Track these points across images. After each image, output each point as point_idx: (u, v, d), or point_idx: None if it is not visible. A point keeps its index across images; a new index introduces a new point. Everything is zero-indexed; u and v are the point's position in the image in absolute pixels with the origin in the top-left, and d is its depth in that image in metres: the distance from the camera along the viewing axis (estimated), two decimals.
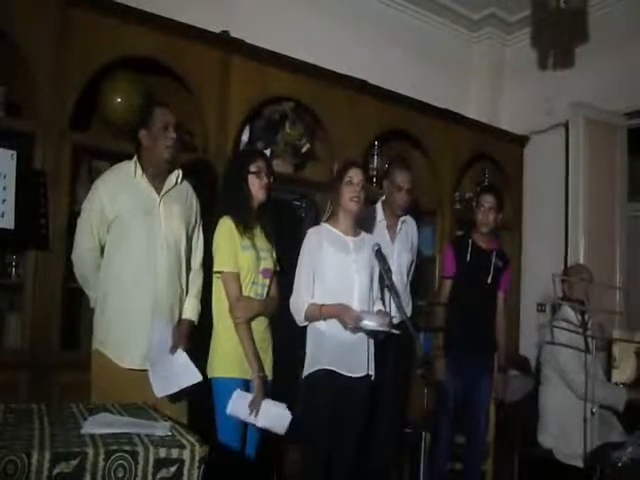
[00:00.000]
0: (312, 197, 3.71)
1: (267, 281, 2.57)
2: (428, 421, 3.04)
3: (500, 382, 3.46)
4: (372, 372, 2.60)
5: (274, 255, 2.63)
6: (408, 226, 3.34)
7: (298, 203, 3.71)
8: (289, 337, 2.73)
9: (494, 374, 3.44)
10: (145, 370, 2.36)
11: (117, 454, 1.52)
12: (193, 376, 2.41)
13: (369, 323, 2.46)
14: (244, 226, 2.51)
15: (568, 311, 3.26)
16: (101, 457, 1.50)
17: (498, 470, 3.52)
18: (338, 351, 2.53)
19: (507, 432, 3.49)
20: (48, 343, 2.70)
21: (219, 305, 2.51)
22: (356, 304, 2.54)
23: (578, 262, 3.83)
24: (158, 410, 2.07)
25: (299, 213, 3.70)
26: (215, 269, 2.49)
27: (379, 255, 2.62)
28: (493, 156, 4.68)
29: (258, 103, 3.44)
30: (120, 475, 1.51)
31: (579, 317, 3.23)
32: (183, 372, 2.40)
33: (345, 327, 2.49)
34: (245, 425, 2.48)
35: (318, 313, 2.54)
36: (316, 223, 2.91)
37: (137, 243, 2.40)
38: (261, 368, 2.46)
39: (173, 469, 1.58)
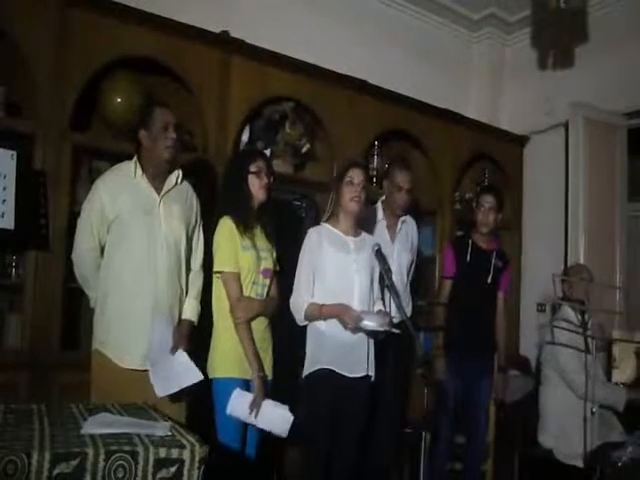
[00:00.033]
0: (312, 197, 3.71)
1: (267, 281, 2.57)
2: (428, 421, 3.04)
3: (500, 382, 3.46)
4: (372, 373, 2.60)
5: (274, 255, 2.63)
6: (408, 226, 3.34)
7: (298, 203, 3.71)
8: (289, 337, 2.73)
9: (494, 374, 3.44)
10: (145, 370, 2.36)
11: (117, 454, 1.52)
12: (194, 375, 2.40)
13: (369, 323, 2.46)
14: (244, 226, 2.51)
15: (568, 311, 3.26)
16: (101, 457, 1.50)
17: (498, 470, 3.52)
18: (338, 351, 2.53)
19: (507, 432, 3.49)
20: (48, 343, 2.70)
21: (219, 305, 2.51)
22: (356, 304, 2.54)
23: (578, 262, 3.83)
24: (158, 410, 2.08)
25: (299, 213, 3.70)
26: (215, 269, 2.49)
27: (379, 255, 2.62)
28: (493, 156, 4.68)
29: (258, 103, 3.44)
30: (120, 475, 1.51)
31: (579, 317, 3.23)
32: (184, 372, 2.40)
33: (345, 327, 2.49)
34: (245, 425, 2.48)
35: (318, 313, 2.53)
36: (316, 223, 2.91)
37: (137, 243, 2.40)
38: (261, 368, 2.45)
39: (173, 469, 1.58)
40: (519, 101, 4.85)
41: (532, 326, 4.48)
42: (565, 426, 3.11)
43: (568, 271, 3.51)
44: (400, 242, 3.25)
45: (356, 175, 2.63)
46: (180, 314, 2.51)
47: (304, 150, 3.61)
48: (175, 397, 2.39)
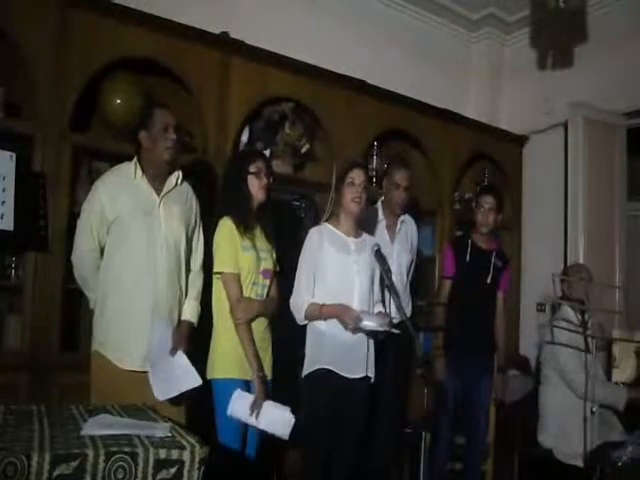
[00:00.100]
0: (312, 197, 3.72)
1: (267, 282, 2.57)
2: (428, 421, 3.04)
3: (500, 382, 3.46)
4: (371, 374, 2.60)
5: (274, 255, 2.63)
6: (407, 226, 3.34)
7: (298, 203, 3.71)
8: (289, 337, 2.73)
9: (494, 374, 3.44)
10: (145, 372, 2.36)
11: (117, 455, 1.52)
12: (193, 380, 2.40)
13: (369, 323, 2.46)
14: (244, 227, 2.51)
15: (568, 311, 3.27)
16: (101, 458, 1.50)
17: (498, 470, 3.52)
18: (338, 351, 2.53)
19: (507, 432, 3.48)
20: (48, 344, 2.70)
21: (219, 306, 2.51)
22: (356, 305, 2.54)
23: (578, 262, 3.83)
24: (157, 411, 2.07)
25: (299, 213, 3.70)
26: (215, 270, 2.49)
27: (378, 255, 2.62)
28: (492, 156, 4.68)
29: (258, 104, 3.44)
30: (120, 476, 1.51)
31: (579, 317, 3.23)
32: (183, 375, 2.40)
33: (345, 327, 2.50)
34: (245, 426, 2.47)
35: (318, 313, 2.54)
36: (315, 223, 2.92)
37: (137, 244, 2.40)
38: (261, 368, 2.45)
39: (173, 470, 1.58)
40: (518, 101, 4.85)
41: (532, 326, 4.48)
42: (565, 426, 3.11)
43: (568, 271, 3.51)
44: (400, 242, 3.25)
45: (357, 176, 2.63)
46: (180, 315, 2.51)
47: (303, 150, 3.61)
48: (175, 400, 2.39)
